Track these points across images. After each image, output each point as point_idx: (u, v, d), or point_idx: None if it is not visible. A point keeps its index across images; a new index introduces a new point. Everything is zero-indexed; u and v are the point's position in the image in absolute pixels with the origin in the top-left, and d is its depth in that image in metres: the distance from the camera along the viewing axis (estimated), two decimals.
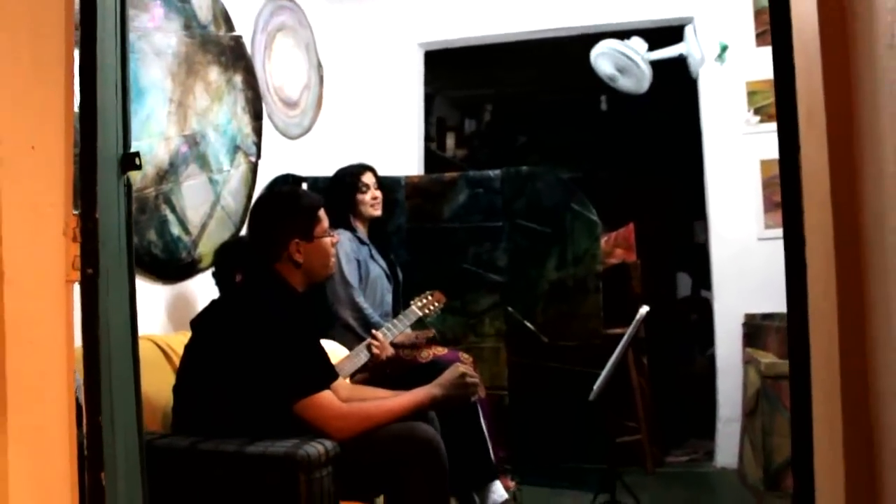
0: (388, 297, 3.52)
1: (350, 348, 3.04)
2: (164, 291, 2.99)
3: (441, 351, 3.24)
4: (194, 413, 2.10)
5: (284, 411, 1.98)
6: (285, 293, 2.16)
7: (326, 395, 2.01)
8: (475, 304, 3.91)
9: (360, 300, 3.30)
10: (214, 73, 3.33)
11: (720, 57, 4.08)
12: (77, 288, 1.22)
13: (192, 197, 3.11)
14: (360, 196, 3.42)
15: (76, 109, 1.31)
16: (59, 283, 1.14)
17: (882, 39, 0.62)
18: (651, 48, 4.05)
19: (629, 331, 3.03)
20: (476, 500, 2.67)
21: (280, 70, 3.94)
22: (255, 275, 2.25)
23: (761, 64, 3.87)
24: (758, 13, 3.97)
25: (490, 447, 2.81)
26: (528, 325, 3.82)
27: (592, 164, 6.49)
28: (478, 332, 3.91)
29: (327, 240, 2.28)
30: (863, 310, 0.69)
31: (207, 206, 3.23)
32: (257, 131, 3.65)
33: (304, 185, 3.91)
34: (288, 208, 2.27)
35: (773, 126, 1.04)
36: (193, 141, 3.14)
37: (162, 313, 2.97)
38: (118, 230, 1.42)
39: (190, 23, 3.17)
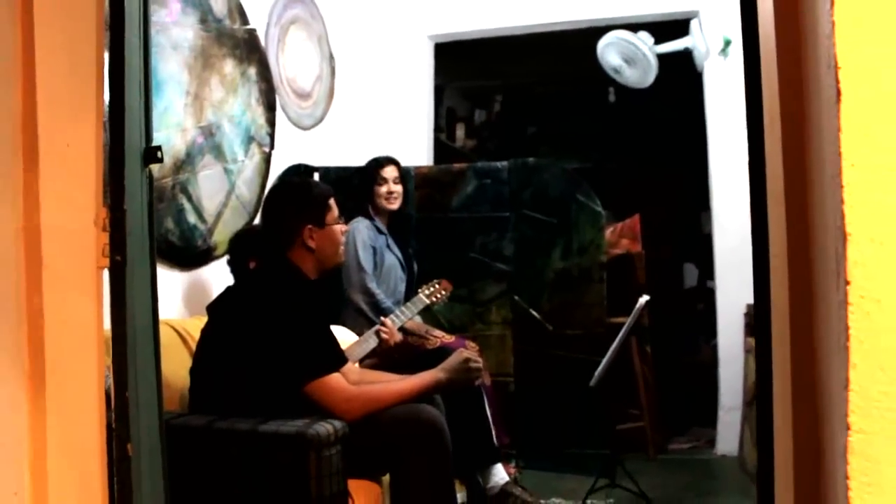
0: (402, 287, 3.62)
1: (362, 332, 3.14)
2: (180, 278, 3.09)
3: (448, 338, 3.34)
4: (210, 394, 2.20)
5: (295, 393, 2.08)
6: (297, 280, 2.26)
7: (335, 378, 2.11)
8: (482, 292, 4.00)
9: (373, 286, 3.41)
10: (229, 66, 3.42)
11: (724, 51, 4.14)
12: (106, 274, 1.32)
13: (208, 186, 3.21)
14: (376, 188, 3.53)
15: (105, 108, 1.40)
16: (91, 270, 1.24)
17: (823, 60, 0.70)
18: (657, 42, 4.11)
19: (629, 320, 3.11)
20: (480, 481, 2.77)
21: (293, 62, 4.02)
22: (269, 262, 2.35)
23: None
24: None
25: (493, 431, 2.90)
26: (534, 313, 3.90)
27: (601, 155, 6.55)
28: (485, 319, 4.00)
29: (338, 227, 2.38)
30: (810, 296, 0.78)
31: (222, 196, 3.33)
32: (271, 122, 3.74)
33: (316, 175, 4.01)
34: (301, 196, 2.37)
35: None
36: (209, 132, 3.24)
37: (179, 299, 3.07)
38: (142, 220, 1.52)
39: (206, 17, 3.26)
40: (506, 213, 3.98)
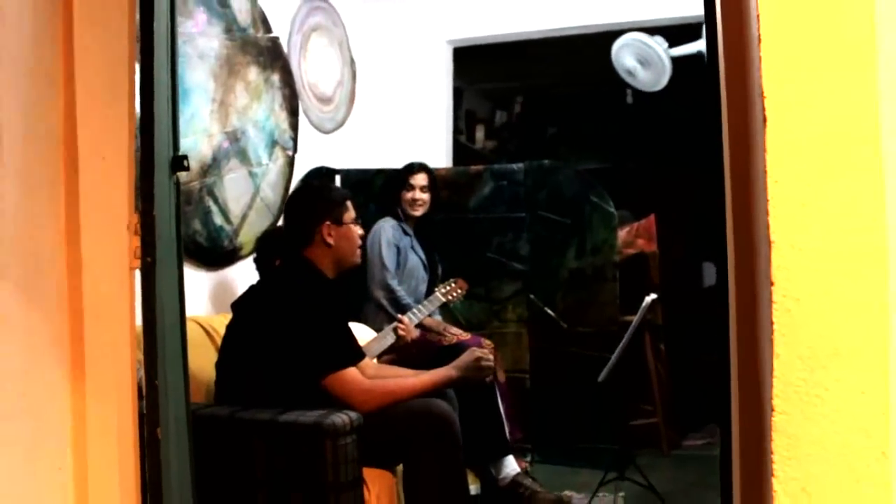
0: (423, 287, 3.74)
1: (381, 327, 3.28)
2: (206, 277, 3.24)
3: (464, 335, 3.46)
4: (234, 386, 2.33)
5: (314, 385, 2.21)
6: (316, 279, 2.39)
7: (352, 372, 2.23)
8: (499, 291, 4.10)
9: (394, 283, 3.55)
10: (253, 73, 3.56)
11: None
12: (137, 274, 1.45)
13: (234, 189, 3.36)
14: (404, 192, 3.65)
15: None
16: (124, 270, 1.37)
17: (755, 89, 0.80)
18: (671, 46, 4.19)
19: (636, 318, 3.20)
20: (492, 472, 2.88)
21: (315, 68, 4.16)
22: (288, 261, 2.48)
23: None
24: None
25: (506, 425, 3.01)
26: (549, 311, 4.00)
27: (620, 156, 6.62)
28: (501, 317, 4.11)
29: (355, 228, 2.50)
30: (753, 288, 0.88)
31: (248, 198, 3.47)
32: (294, 126, 3.88)
33: (338, 177, 4.14)
34: (320, 196, 2.51)
35: None
36: (234, 137, 3.38)
37: (205, 297, 3.22)
38: (170, 224, 1.65)
39: (231, 26, 3.41)
40: (521, 213, 4.08)
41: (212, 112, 3.23)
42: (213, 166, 3.22)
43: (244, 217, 3.44)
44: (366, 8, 4.68)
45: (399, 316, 3.20)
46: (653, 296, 3.25)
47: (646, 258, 4.49)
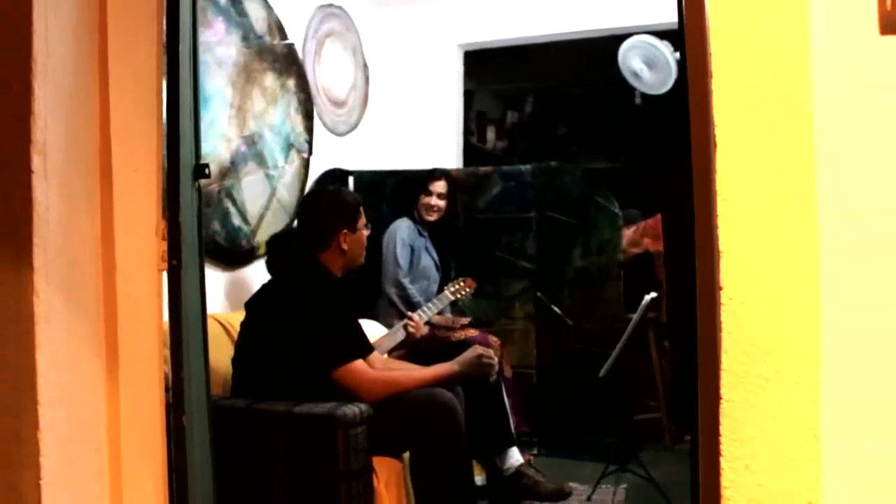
0: (434, 288, 3.88)
1: (393, 323, 3.42)
2: (224, 276, 3.38)
3: (472, 332, 3.58)
4: (250, 379, 2.47)
5: (324, 378, 2.34)
6: (326, 280, 2.53)
7: (359, 364, 2.37)
8: (507, 289, 4.23)
9: (406, 281, 3.69)
10: (270, 79, 3.69)
11: None
12: (164, 275, 1.58)
13: (251, 191, 3.50)
14: (421, 196, 3.78)
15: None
16: (153, 272, 1.51)
17: (709, 118, 0.92)
18: (676, 50, 4.28)
19: (636, 315, 3.31)
20: (497, 462, 3.00)
21: (329, 72, 4.29)
22: (300, 262, 2.62)
23: None
24: None
25: (511, 418, 3.13)
26: (555, 309, 4.11)
27: (630, 155, 6.70)
28: (509, 315, 4.23)
29: (365, 231, 2.64)
30: (712, 292, 0.99)
31: (265, 199, 3.61)
32: (309, 130, 4.01)
33: (351, 179, 4.28)
34: (338, 204, 2.64)
35: None
36: (252, 141, 3.52)
37: (221, 295, 3.36)
38: (192, 228, 1.78)
39: (248, 34, 3.54)
40: (529, 214, 4.19)
41: (230, 117, 3.37)
42: (231, 169, 3.36)
43: (261, 218, 3.57)
44: (378, 14, 4.81)
45: (409, 314, 3.33)
46: (653, 294, 3.36)
47: (651, 257, 4.59)
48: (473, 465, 2.82)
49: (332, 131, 4.31)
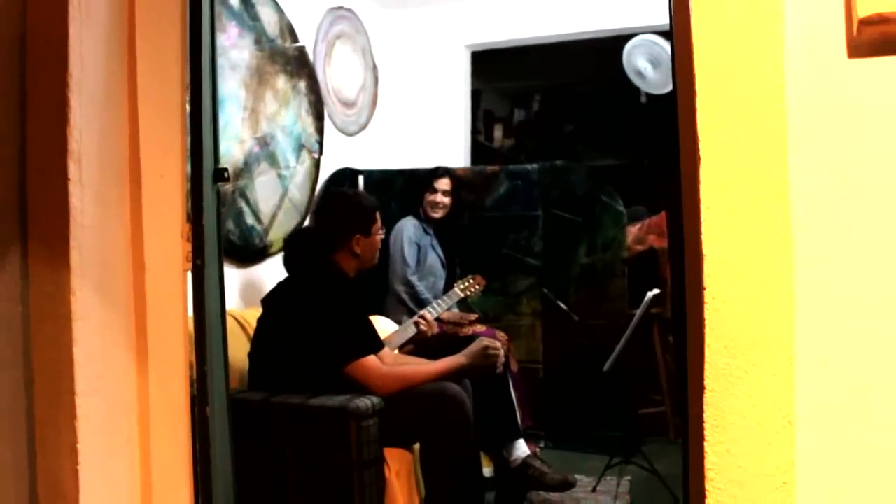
0: (441, 284, 3.97)
1: (401, 319, 3.51)
2: (238, 274, 3.48)
3: (480, 328, 3.68)
4: (266, 374, 2.57)
5: (337, 372, 2.43)
6: (339, 279, 2.63)
7: (370, 359, 2.46)
8: (514, 285, 4.31)
9: (413, 279, 3.78)
10: (282, 81, 3.79)
11: None
12: (188, 275, 1.68)
13: (264, 191, 3.60)
14: (427, 194, 3.88)
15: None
16: (178, 272, 1.60)
17: (694, 133, 1.01)
18: None
19: (639, 311, 3.40)
20: (504, 454, 3.09)
21: (339, 74, 4.38)
22: (315, 262, 2.71)
23: None
24: None
25: (517, 411, 3.22)
26: (562, 305, 4.20)
27: (636, 153, 6.77)
28: (516, 311, 4.32)
29: (379, 236, 2.74)
30: (698, 292, 1.08)
31: (277, 199, 3.71)
32: (319, 130, 4.11)
33: (361, 178, 4.37)
34: (354, 209, 2.74)
35: None
36: (264, 142, 3.62)
37: (236, 292, 3.46)
38: (213, 229, 1.88)
39: (260, 38, 3.64)
40: (535, 212, 4.28)
41: (243, 119, 3.47)
42: (244, 170, 3.46)
43: (273, 217, 3.67)
44: (387, 16, 4.90)
45: (421, 312, 3.42)
46: (656, 290, 3.44)
47: (655, 254, 4.67)
48: (481, 456, 2.91)
49: (342, 131, 4.40)
